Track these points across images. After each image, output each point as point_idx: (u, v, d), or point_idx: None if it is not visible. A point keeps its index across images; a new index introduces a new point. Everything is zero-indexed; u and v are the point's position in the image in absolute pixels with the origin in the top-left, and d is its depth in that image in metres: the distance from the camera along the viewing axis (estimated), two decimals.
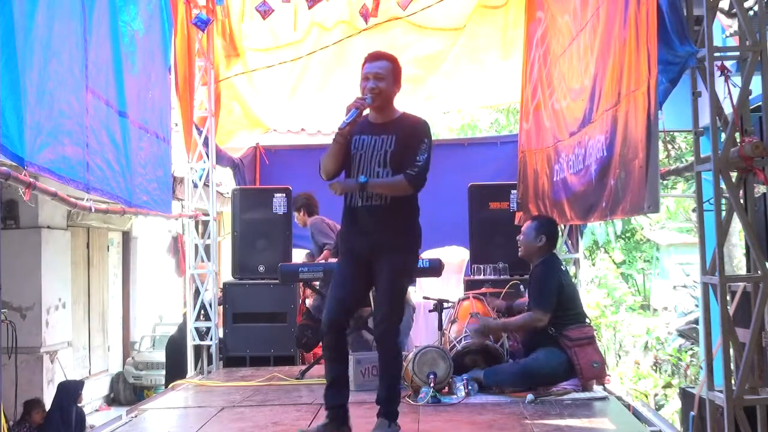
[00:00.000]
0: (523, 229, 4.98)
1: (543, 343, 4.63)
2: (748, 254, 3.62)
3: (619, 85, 3.87)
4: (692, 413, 4.11)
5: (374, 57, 3.81)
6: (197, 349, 6.49)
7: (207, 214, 6.67)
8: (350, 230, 3.78)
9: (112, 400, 12.33)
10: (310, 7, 6.35)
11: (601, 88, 4.24)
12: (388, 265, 3.65)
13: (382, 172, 3.66)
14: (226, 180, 8.85)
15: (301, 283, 6.03)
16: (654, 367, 12.17)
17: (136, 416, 4.46)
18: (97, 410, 11.43)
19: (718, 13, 4.37)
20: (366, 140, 3.73)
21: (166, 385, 6.82)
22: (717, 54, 3.26)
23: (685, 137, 12.01)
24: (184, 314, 7.11)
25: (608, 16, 4.14)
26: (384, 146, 3.69)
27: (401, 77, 3.86)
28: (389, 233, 3.67)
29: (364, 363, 4.80)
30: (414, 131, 3.74)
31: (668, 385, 11.11)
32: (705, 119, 3.29)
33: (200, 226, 7.11)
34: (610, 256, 16.45)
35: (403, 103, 8.30)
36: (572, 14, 5.00)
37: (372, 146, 3.70)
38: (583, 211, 4.66)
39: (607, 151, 4.07)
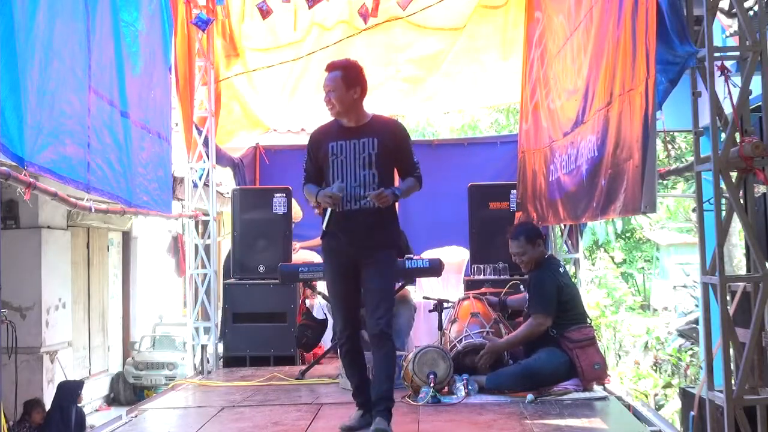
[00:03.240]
0: (514, 249, 4.87)
1: (544, 343, 4.62)
2: (748, 254, 3.62)
3: (612, 85, 3.87)
4: (692, 413, 4.11)
5: (327, 68, 3.90)
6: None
7: (207, 214, 6.67)
8: (339, 233, 3.84)
9: (112, 400, 12.34)
10: (310, 7, 6.35)
11: (594, 88, 4.24)
12: (377, 261, 3.80)
13: (368, 174, 3.78)
14: (226, 180, 8.85)
15: (300, 283, 6.03)
16: (654, 367, 12.18)
17: (136, 416, 4.46)
18: (97, 410, 11.44)
19: (718, 13, 4.38)
20: (344, 145, 3.82)
21: None
22: (717, 54, 3.26)
23: (685, 137, 12.03)
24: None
25: (602, 16, 4.14)
26: (366, 149, 3.80)
27: (360, 77, 3.87)
28: (376, 233, 3.82)
29: None
30: (395, 134, 3.91)
31: (668, 385, 11.12)
32: (705, 119, 3.29)
33: (200, 226, 7.11)
34: (610, 256, 16.47)
35: (404, 103, 8.35)
36: (567, 14, 5.01)
37: (352, 150, 3.80)
38: (575, 211, 4.66)
39: (598, 151, 4.08)
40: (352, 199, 3.78)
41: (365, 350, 4.32)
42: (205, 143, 6.63)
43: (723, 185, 3.29)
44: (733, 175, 3.29)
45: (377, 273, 3.80)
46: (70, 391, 8.25)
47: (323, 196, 3.78)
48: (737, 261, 7.84)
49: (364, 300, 3.90)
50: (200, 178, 6.63)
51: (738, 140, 3.23)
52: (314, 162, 3.94)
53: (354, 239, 3.80)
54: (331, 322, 6.12)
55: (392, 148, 3.85)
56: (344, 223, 3.81)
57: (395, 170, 3.96)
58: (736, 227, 6.80)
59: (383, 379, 3.77)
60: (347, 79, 3.82)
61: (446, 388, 4.55)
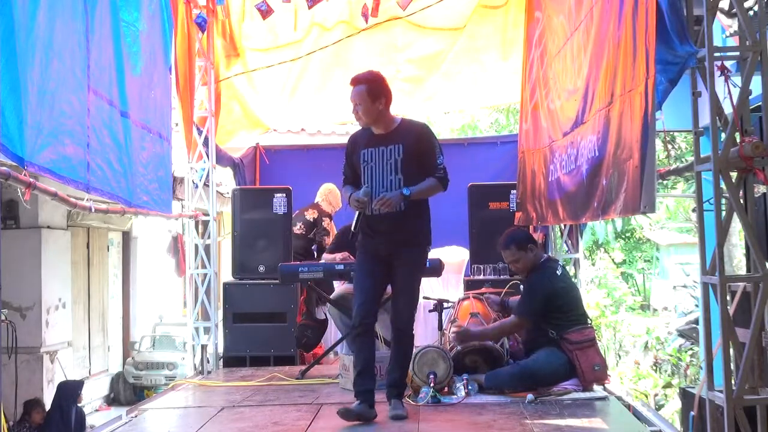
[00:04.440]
0: (508, 259, 4.87)
1: (543, 344, 4.61)
2: (748, 254, 3.62)
3: (613, 85, 3.87)
4: (692, 413, 4.11)
5: (352, 82, 4.12)
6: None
7: (207, 214, 6.67)
8: (370, 234, 4.11)
9: (112, 400, 12.33)
10: (310, 7, 6.36)
11: (594, 88, 4.24)
12: (406, 261, 4.08)
13: (395, 179, 4.04)
14: (226, 180, 8.84)
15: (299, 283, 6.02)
16: (654, 367, 12.17)
17: (136, 416, 4.46)
18: (97, 410, 11.43)
19: (718, 13, 4.37)
20: (374, 152, 4.10)
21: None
22: (717, 54, 3.26)
23: (685, 137, 12.01)
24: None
25: (602, 16, 4.14)
26: (393, 155, 4.06)
27: (384, 88, 4.10)
28: (406, 233, 4.07)
29: None
30: (420, 138, 4.12)
31: (668, 385, 11.10)
32: (705, 119, 3.29)
33: (200, 226, 7.11)
34: (610, 256, 16.45)
35: (404, 103, 8.35)
36: (567, 14, 5.01)
37: (381, 157, 4.08)
38: (575, 211, 4.66)
39: (598, 151, 4.07)
40: (363, 213, 4.04)
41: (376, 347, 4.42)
42: (205, 143, 6.64)
43: (723, 185, 3.29)
44: (733, 175, 3.29)
45: (405, 273, 4.08)
46: (70, 391, 8.25)
47: (353, 200, 4.04)
48: (737, 261, 7.84)
49: (391, 296, 4.20)
50: (200, 179, 6.63)
51: (738, 140, 3.23)
52: (350, 166, 4.23)
53: (385, 240, 4.07)
54: (331, 322, 6.15)
55: (416, 152, 4.07)
56: (375, 225, 4.07)
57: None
58: (736, 227, 6.80)
59: (397, 367, 4.10)
60: (372, 92, 4.05)
61: (446, 388, 4.54)
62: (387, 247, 4.08)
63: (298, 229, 6.66)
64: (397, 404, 4.04)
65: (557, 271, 4.80)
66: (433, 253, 6.19)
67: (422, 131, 4.16)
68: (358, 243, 4.22)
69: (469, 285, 5.95)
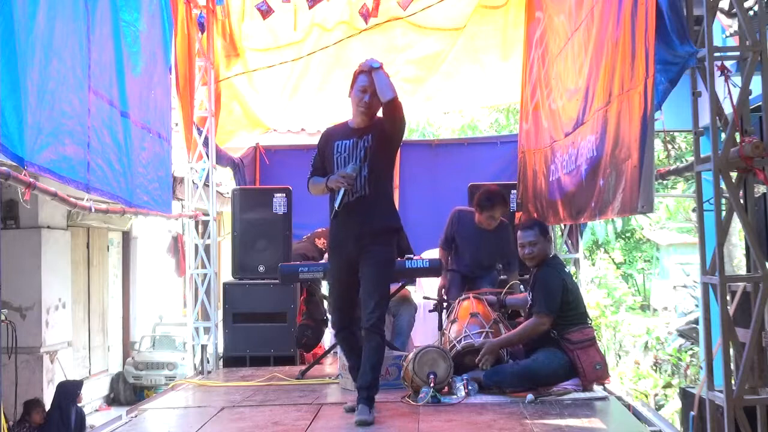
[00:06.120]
0: (529, 238, 4.69)
1: (544, 344, 4.60)
2: (748, 254, 3.62)
3: (611, 85, 3.87)
4: (692, 413, 4.11)
5: (368, 69, 4.19)
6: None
7: (207, 214, 6.67)
8: (339, 229, 4.16)
9: (112, 400, 12.34)
10: (310, 8, 6.36)
11: (594, 88, 4.24)
12: (373, 258, 4.05)
13: (364, 167, 4.09)
14: (226, 180, 8.84)
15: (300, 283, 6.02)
16: (654, 367, 12.18)
17: (136, 416, 4.46)
18: (97, 410, 11.44)
19: (718, 13, 4.38)
20: (347, 144, 4.18)
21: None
22: (717, 54, 3.27)
23: (685, 137, 12.03)
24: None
25: (602, 16, 4.14)
26: (364, 145, 4.14)
27: None
28: (375, 222, 4.08)
29: None
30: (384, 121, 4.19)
31: (668, 385, 11.12)
32: (705, 119, 3.30)
33: (200, 226, 7.11)
34: (610, 256, 16.47)
35: (404, 103, 8.32)
36: (568, 14, 5.01)
37: (353, 147, 4.16)
38: (574, 211, 4.66)
39: (597, 151, 4.08)
40: (349, 192, 4.05)
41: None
42: (205, 143, 6.64)
43: (723, 185, 3.29)
44: (733, 175, 3.29)
45: (372, 268, 4.05)
46: (69, 391, 8.25)
47: (337, 176, 4.03)
48: (737, 261, 7.84)
49: (361, 296, 4.13)
50: (200, 179, 6.64)
51: (738, 140, 3.24)
52: (321, 157, 4.28)
53: (354, 229, 4.07)
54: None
55: (383, 132, 4.13)
56: (344, 215, 4.08)
57: (392, 165, 4.28)
58: (736, 227, 6.80)
59: (368, 369, 4.04)
60: None
61: (446, 388, 4.54)
62: (356, 248, 4.07)
63: (320, 243, 6.63)
64: (363, 409, 3.93)
65: (565, 268, 4.83)
66: (434, 253, 6.22)
67: None
68: (329, 234, 4.32)
69: None
